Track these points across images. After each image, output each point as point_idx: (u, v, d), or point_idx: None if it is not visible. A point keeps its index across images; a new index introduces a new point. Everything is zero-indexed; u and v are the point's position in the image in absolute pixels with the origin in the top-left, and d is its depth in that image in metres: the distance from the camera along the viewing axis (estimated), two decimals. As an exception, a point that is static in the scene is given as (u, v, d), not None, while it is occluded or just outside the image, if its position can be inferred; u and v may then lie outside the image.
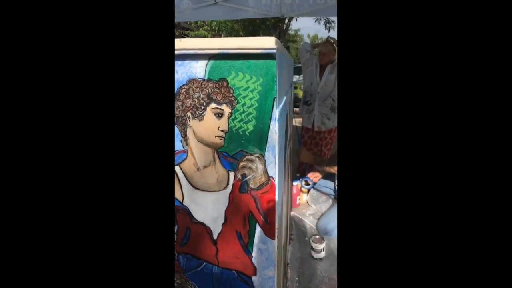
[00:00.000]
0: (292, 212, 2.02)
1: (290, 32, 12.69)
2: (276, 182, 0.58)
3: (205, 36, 10.85)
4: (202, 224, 0.63)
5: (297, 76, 5.79)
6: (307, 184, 2.06)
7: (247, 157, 0.57)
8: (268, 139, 0.55)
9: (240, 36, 10.30)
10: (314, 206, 2.11)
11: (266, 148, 0.56)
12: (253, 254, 0.63)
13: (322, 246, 1.57)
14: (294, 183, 2.07)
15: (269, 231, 0.61)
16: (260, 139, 0.55)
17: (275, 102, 0.53)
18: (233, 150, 0.57)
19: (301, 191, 2.09)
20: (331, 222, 1.73)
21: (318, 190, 2.15)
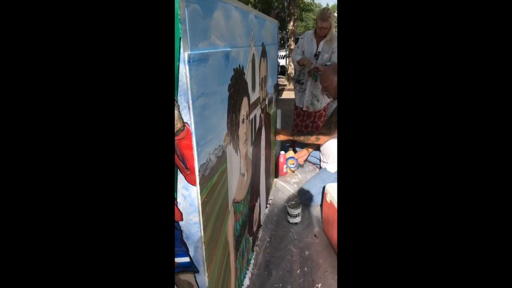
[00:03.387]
0: (276, 179, 2.05)
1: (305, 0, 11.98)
2: (193, 129, 0.58)
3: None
4: (130, 169, 0.65)
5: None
6: (293, 164, 2.06)
7: (162, 102, 0.57)
8: (180, 83, 0.54)
9: (251, 3, 9.83)
10: (300, 175, 2.12)
11: (178, 93, 0.55)
12: (178, 200, 0.65)
13: (297, 211, 1.59)
14: (282, 152, 2.08)
15: (189, 177, 0.62)
16: (171, 82, 0.54)
17: (181, 42, 0.51)
18: (148, 94, 0.57)
19: (289, 170, 2.10)
20: (312, 190, 1.75)
21: (305, 160, 2.15)
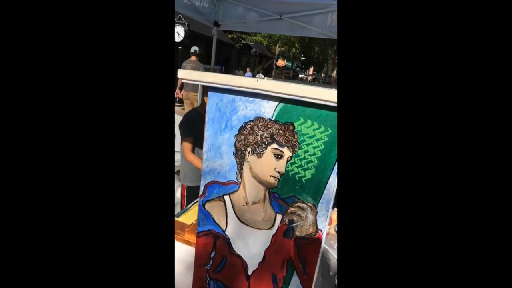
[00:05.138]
0: (320, 241, 1.95)
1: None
2: (324, 236, 0.55)
3: (260, 42, 10.98)
4: (239, 257, 0.63)
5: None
6: None
7: (298, 203, 0.55)
8: (325, 191, 0.53)
9: (295, 47, 10.27)
10: (345, 240, 2.00)
11: (321, 200, 0.53)
12: (285, 301, 0.60)
13: (347, 287, 1.48)
14: (327, 211, 2.00)
15: (306, 283, 0.58)
16: (316, 189, 0.53)
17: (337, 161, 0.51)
18: (285, 193, 0.56)
19: (334, 231, 2.00)
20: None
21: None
